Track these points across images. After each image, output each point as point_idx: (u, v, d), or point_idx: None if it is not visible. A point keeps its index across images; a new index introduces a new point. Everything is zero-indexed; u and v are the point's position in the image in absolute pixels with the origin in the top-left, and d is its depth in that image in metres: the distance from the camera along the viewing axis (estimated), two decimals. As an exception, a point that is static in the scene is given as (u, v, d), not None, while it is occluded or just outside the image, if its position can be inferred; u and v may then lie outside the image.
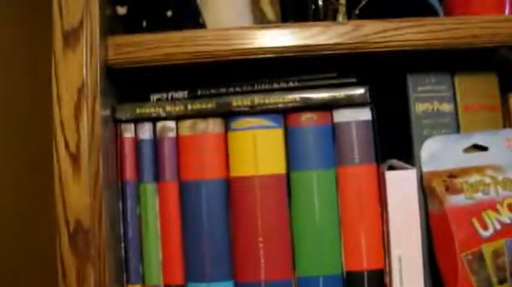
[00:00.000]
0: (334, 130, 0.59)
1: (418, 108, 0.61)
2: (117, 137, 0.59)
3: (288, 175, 0.58)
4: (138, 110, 0.58)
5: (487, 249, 0.56)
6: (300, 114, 0.58)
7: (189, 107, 0.58)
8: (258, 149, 0.58)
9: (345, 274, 0.58)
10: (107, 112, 0.56)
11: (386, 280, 0.58)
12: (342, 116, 0.59)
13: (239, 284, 0.57)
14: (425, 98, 0.61)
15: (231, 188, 0.58)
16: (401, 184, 0.58)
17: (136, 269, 0.59)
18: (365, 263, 0.58)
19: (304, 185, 0.58)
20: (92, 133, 0.52)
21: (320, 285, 0.57)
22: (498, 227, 0.57)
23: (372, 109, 0.59)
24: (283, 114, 0.59)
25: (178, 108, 0.58)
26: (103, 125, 0.54)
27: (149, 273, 0.58)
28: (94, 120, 0.53)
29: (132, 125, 0.59)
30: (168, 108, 0.58)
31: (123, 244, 0.59)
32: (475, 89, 0.63)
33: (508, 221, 0.57)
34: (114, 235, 0.57)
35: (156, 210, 0.59)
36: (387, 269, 0.58)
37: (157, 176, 0.59)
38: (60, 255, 0.51)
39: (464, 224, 0.57)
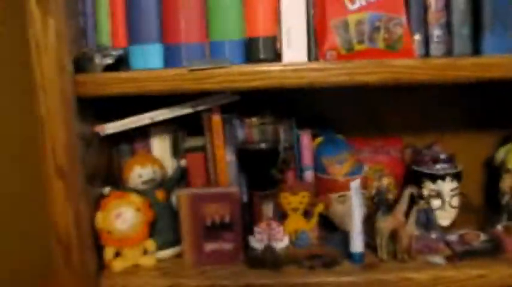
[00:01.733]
0: None
1: None
2: None
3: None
4: None
5: (351, 18, 0.73)
6: None
7: None
8: None
9: (246, 40, 0.76)
10: None
11: (277, 45, 0.75)
12: None
13: (165, 46, 0.76)
14: None
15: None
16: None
17: (92, 37, 0.78)
18: (261, 30, 0.75)
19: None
20: None
21: (226, 48, 0.75)
22: (364, 3, 0.74)
23: None
24: None
25: None
26: None
27: (102, 39, 0.78)
28: None
29: None
30: None
31: (82, 18, 0.78)
32: None
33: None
34: (75, 10, 0.76)
35: (106, -9, 0.77)
36: (278, 37, 0.75)
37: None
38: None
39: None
